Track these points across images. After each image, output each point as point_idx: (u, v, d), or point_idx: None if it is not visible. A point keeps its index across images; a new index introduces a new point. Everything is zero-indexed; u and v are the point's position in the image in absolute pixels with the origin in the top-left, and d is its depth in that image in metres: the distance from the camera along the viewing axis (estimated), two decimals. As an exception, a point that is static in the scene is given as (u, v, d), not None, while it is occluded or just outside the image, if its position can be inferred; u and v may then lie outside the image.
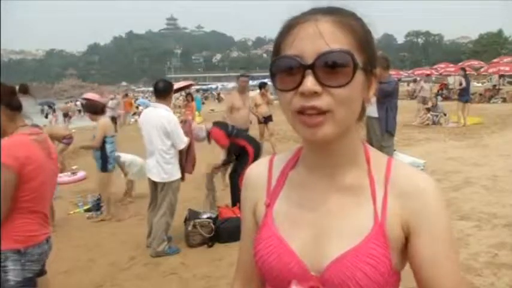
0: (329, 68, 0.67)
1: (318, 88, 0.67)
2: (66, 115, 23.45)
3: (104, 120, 5.54)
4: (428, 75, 18.96)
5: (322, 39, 0.68)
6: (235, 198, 5.25)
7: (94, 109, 5.60)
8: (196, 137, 5.16)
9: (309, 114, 0.68)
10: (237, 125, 6.05)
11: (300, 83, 0.68)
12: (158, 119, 4.23)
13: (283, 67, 0.70)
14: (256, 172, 0.90)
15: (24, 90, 2.12)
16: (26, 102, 2.13)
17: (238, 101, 6.76)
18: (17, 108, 2.06)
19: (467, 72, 14.82)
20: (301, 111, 0.69)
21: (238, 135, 5.33)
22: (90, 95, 5.42)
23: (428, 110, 13.66)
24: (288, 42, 0.71)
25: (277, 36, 0.75)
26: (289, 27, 0.72)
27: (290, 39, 0.71)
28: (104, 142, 5.38)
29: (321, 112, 0.68)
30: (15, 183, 1.92)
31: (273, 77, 0.73)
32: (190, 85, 8.81)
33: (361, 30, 0.72)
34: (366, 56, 0.71)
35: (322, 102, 0.67)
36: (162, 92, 4.40)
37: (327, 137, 0.70)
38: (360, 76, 0.70)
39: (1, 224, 1.93)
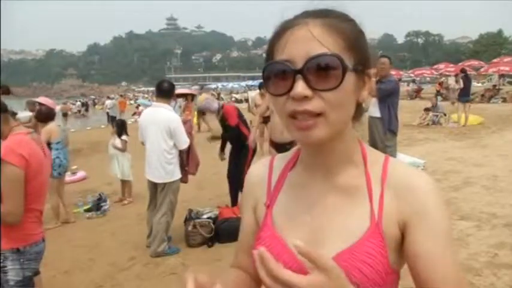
0: (318, 71, 0.67)
1: (308, 92, 0.67)
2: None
3: (50, 125, 5.46)
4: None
5: (311, 43, 0.68)
6: (235, 199, 5.25)
7: (39, 116, 5.54)
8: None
9: (301, 118, 0.69)
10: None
11: (291, 88, 0.68)
12: (161, 118, 4.22)
13: (274, 72, 0.71)
14: (257, 173, 0.92)
15: (7, 91, 2.13)
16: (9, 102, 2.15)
17: None
18: (7, 109, 2.09)
19: (468, 73, 14.61)
20: (293, 115, 0.69)
21: (245, 123, 5.42)
22: (43, 99, 5.37)
23: (428, 110, 13.64)
24: (280, 47, 0.72)
25: (270, 40, 0.76)
26: (281, 31, 0.73)
27: (281, 43, 0.72)
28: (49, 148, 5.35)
29: (313, 115, 0.68)
30: (23, 182, 1.94)
31: (266, 81, 0.73)
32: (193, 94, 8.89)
33: (352, 31, 0.72)
34: (357, 57, 0.71)
35: (314, 105, 0.68)
36: (166, 93, 4.41)
37: (320, 139, 0.70)
38: (350, 78, 0.70)
39: (19, 224, 1.94)
